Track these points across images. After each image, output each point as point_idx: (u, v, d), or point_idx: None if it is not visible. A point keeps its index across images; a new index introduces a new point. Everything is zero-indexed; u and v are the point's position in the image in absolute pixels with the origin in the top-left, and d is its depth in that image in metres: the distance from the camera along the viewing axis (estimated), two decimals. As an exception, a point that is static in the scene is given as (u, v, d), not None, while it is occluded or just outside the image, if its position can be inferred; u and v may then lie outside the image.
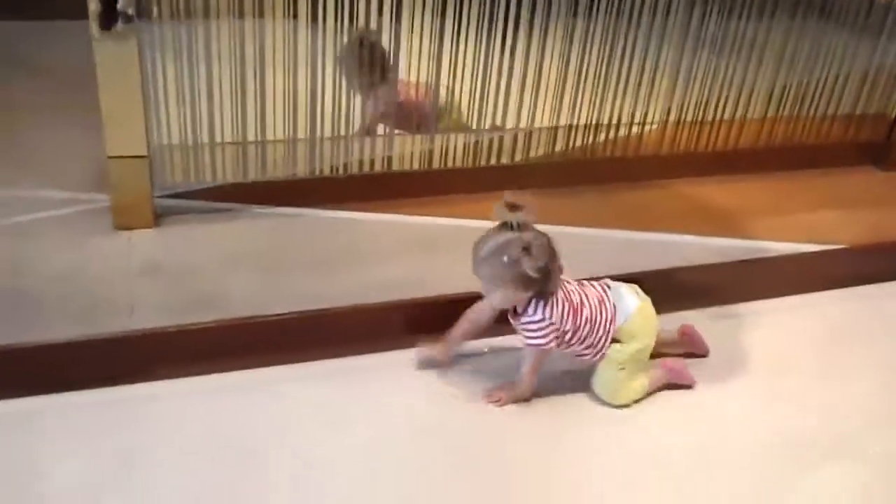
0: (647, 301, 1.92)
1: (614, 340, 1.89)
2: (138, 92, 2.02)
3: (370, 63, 2.27)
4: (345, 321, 1.95)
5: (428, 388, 1.91)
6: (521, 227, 1.74)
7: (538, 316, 1.80)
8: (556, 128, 2.50)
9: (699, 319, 2.18)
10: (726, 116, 2.65)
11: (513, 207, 1.74)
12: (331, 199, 2.33)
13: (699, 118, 2.64)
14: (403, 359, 1.96)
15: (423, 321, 1.98)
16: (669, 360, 2.00)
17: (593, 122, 2.53)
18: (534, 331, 1.81)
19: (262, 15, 2.05)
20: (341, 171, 2.32)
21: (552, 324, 1.80)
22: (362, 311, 1.95)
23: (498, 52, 2.31)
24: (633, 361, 1.90)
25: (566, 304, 1.82)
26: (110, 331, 1.80)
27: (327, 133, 2.26)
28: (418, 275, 2.09)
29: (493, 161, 2.48)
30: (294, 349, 1.91)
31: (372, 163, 2.35)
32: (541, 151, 2.53)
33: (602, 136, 2.56)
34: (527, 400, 1.89)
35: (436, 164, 2.43)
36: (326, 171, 2.30)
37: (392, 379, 1.92)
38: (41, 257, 2.02)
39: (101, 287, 1.93)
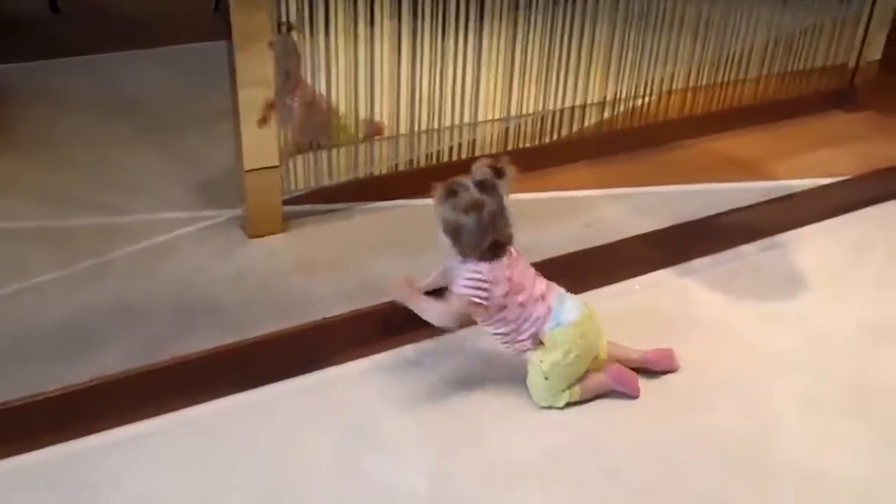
0: (591, 319, 1.93)
1: (540, 343, 1.92)
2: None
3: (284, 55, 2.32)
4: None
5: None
6: (487, 188, 1.81)
7: (474, 268, 1.85)
8: (593, 105, 2.87)
9: (752, 252, 2.60)
10: (731, 78, 3.10)
11: (495, 171, 1.82)
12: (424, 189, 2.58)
13: (711, 81, 3.07)
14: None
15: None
16: (615, 368, 1.98)
17: (620, 95, 2.91)
18: (466, 279, 1.85)
19: (371, 23, 2.31)
20: (433, 159, 2.59)
21: (484, 281, 1.83)
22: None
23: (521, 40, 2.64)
24: (557, 375, 1.90)
25: (506, 274, 1.86)
26: (306, 321, 2.02)
27: (423, 126, 2.53)
28: (529, 242, 2.37)
29: (539, 140, 2.82)
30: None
31: (459, 149, 2.63)
32: (581, 125, 2.88)
33: (627, 106, 2.93)
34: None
35: (509, 145, 2.75)
36: (422, 163, 2.57)
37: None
38: (202, 268, 2.19)
39: (272, 287, 2.13)
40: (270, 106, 2.18)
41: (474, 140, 2.66)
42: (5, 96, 3.09)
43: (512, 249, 1.91)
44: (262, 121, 2.19)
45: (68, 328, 1.95)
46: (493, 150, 2.69)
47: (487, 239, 1.82)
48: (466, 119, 2.63)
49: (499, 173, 1.83)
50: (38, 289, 2.08)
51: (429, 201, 2.49)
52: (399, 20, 2.37)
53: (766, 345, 2.22)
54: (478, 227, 1.80)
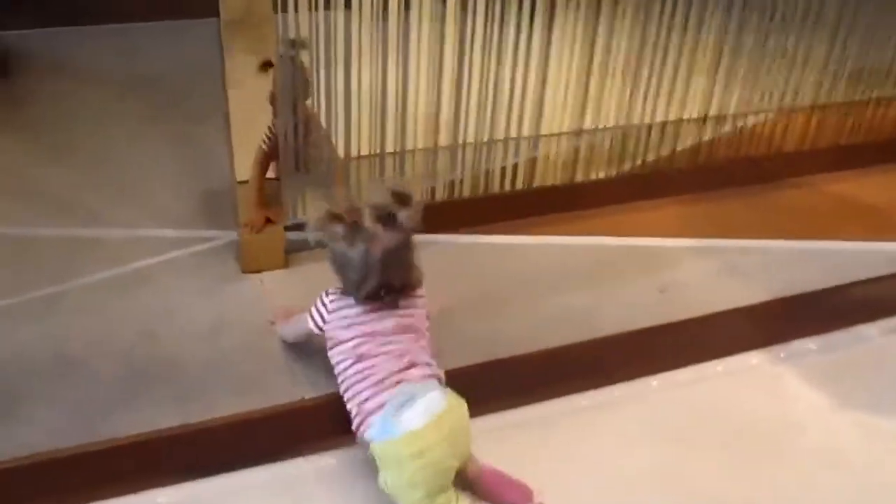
0: (437, 427, 1.45)
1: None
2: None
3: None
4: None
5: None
6: (386, 218, 1.47)
7: (328, 292, 1.57)
8: (680, 121, 2.31)
9: (873, 336, 2.05)
10: (871, 97, 2.48)
11: (397, 197, 1.49)
12: (469, 222, 2.11)
13: (846, 99, 2.46)
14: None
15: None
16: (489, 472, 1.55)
17: (727, 111, 2.34)
18: (317, 299, 1.59)
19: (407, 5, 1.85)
20: (481, 185, 2.12)
21: (325, 309, 1.56)
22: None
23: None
24: (406, 494, 1.47)
25: (357, 321, 1.52)
26: (283, 401, 1.60)
27: (470, 137, 2.06)
28: (581, 310, 1.89)
29: (618, 166, 2.29)
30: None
31: (514, 172, 2.15)
32: (673, 149, 2.34)
33: (734, 127, 2.37)
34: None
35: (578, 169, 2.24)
36: (467, 190, 2.10)
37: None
38: (174, 312, 1.79)
39: (251, 347, 1.71)
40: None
41: (535, 159, 2.17)
42: (21, 66, 2.76)
43: (413, 302, 1.56)
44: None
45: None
46: (558, 174, 2.20)
47: (373, 282, 1.49)
48: (526, 131, 2.12)
49: (402, 200, 1.49)
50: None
51: (471, 239, 2.11)
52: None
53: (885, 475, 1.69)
54: (363, 266, 1.47)
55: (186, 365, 1.66)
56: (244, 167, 1.84)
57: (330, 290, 1.58)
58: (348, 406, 1.52)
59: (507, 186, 2.14)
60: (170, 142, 2.42)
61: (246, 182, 1.85)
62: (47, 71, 2.77)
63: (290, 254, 1.96)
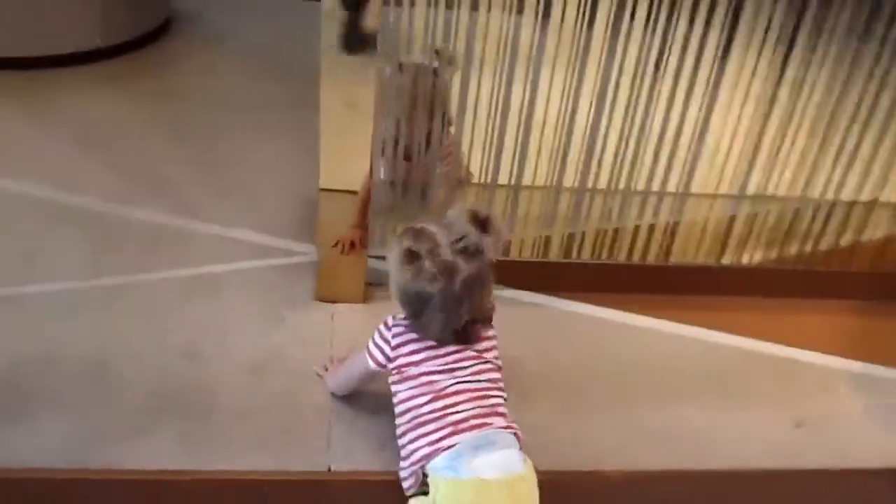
0: (506, 499, 1.27)
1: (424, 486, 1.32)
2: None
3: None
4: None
5: None
6: (467, 250, 1.28)
7: (389, 323, 1.38)
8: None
9: None
10: None
11: (479, 223, 1.30)
12: (581, 286, 1.81)
13: None
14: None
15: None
16: None
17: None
18: (375, 333, 1.40)
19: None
20: (605, 247, 1.81)
21: (390, 344, 1.36)
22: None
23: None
24: None
25: (432, 354, 1.34)
26: (306, 468, 1.40)
27: (601, 182, 1.74)
28: (706, 424, 1.56)
29: (781, 248, 1.90)
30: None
31: (648, 236, 1.82)
32: (858, 236, 1.92)
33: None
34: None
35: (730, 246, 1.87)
36: (587, 250, 1.80)
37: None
38: (227, 334, 1.63)
39: (293, 397, 1.51)
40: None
41: (676, 226, 1.83)
42: (181, 29, 2.71)
43: (490, 341, 1.38)
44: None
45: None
46: (703, 248, 1.85)
47: (452, 319, 1.32)
48: (672, 185, 1.78)
49: (482, 224, 1.30)
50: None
51: (577, 307, 1.81)
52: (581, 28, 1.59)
53: None
54: (442, 304, 1.29)
55: (218, 400, 1.49)
56: (331, 172, 1.62)
57: (391, 321, 1.38)
58: (407, 445, 1.32)
59: (637, 256, 1.81)
60: (296, 137, 2.27)
61: (330, 191, 1.64)
62: (204, 38, 2.70)
63: (371, 287, 1.75)
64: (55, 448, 1.38)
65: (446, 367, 1.34)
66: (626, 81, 1.65)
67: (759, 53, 1.68)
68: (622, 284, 1.79)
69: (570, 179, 1.73)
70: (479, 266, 1.30)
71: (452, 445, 1.28)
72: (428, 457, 1.29)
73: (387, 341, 1.37)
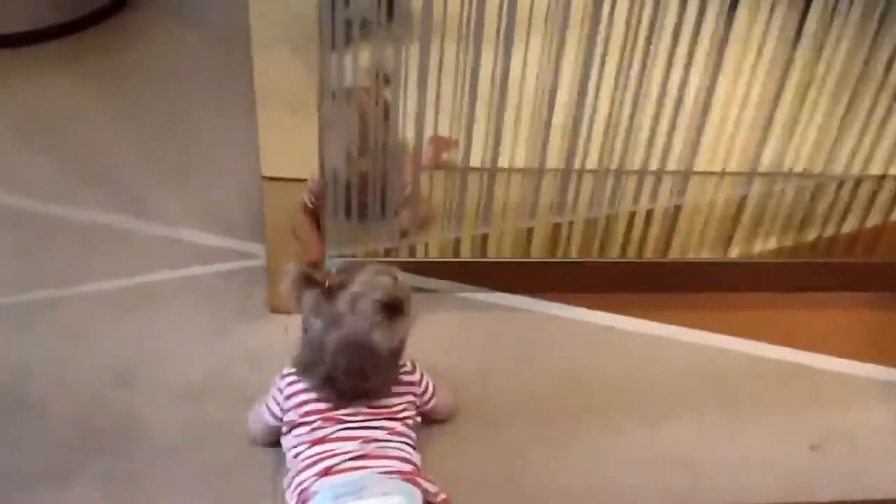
0: None
1: None
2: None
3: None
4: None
5: None
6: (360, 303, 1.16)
7: (283, 373, 1.26)
8: None
9: None
10: None
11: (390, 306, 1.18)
12: (567, 286, 1.59)
13: None
14: None
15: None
16: None
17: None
18: (272, 385, 1.27)
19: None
20: (596, 241, 1.58)
21: (281, 394, 1.24)
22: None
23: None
24: None
25: (320, 406, 1.20)
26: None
27: (591, 162, 1.50)
28: (700, 444, 1.36)
29: (799, 233, 1.66)
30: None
31: (645, 224, 1.58)
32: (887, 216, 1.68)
33: None
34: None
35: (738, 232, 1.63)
36: (576, 245, 1.57)
37: None
38: (166, 354, 1.44)
39: (237, 421, 1.33)
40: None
41: (675, 209, 1.59)
42: (136, 4, 2.49)
43: (398, 391, 1.24)
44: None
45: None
46: (708, 235, 1.62)
47: (319, 370, 1.19)
48: (673, 163, 1.53)
49: (392, 312, 1.18)
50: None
51: (560, 310, 1.60)
52: None
53: None
54: (314, 345, 1.19)
55: (149, 434, 1.32)
56: (276, 156, 1.41)
57: (285, 371, 1.26)
58: (288, 498, 1.17)
59: (632, 251, 1.59)
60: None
61: (276, 179, 1.43)
62: (165, 12, 2.48)
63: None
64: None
65: (337, 417, 1.19)
66: (616, 40, 1.40)
67: (773, 5, 1.43)
68: (615, 283, 1.58)
69: (553, 160, 1.49)
70: (374, 337, 1.15)
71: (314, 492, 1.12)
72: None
73: (280, 390, 1.24)
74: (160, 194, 1.78)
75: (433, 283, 1.58)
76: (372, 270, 1.19)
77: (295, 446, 1.19)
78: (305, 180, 1.45)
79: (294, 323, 1.48)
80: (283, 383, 1.24)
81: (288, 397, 1.23)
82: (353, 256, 1.53)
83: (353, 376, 1.17)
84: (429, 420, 1.32)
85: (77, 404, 1.35)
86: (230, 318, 1.52)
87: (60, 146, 1.90)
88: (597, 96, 1.42)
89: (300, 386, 1.22)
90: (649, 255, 1.57)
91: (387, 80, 1.37)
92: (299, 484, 1.15)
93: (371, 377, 1.19)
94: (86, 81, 2.14)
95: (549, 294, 1.57)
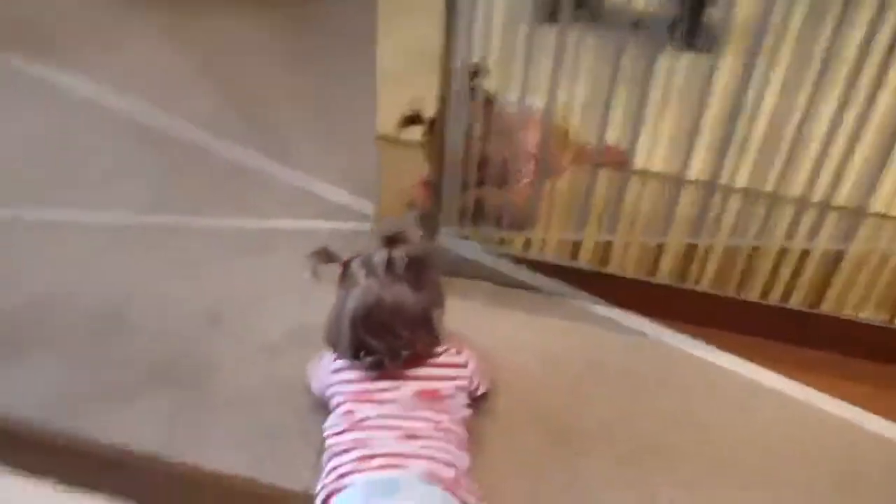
0: None
1: None
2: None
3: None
4: None
5: None
6: (378, 265, 1.15)
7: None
8: None
9: None
10: None
11: (387, 243, 1.16)
12: (694, 318, 1.41)
13: None
14: None
15: None
16: None
17: None
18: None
19: None
20: (734, 274, 1.38)
21: (325, 369, 1.20)
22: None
23: None
24: None
25: (362, 387, 1.14)
26: (282, 482, 1.18)
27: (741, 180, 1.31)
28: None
29: None
30: None
31: (795, 276, 1.36)
32: None
33: None
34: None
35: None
36: (709, 277, 1.39)
37: None
38: (258, 303, 1.43)
39: (301, 392, 1.28)
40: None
41: (839, 254, 1.34)
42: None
43: (444, 372, 1.17)
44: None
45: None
46: (877, 297, 1.37)
47: (344, 340, 1.16)
48: (843, 196, 1.28)
49: (391, 244, 1.16)
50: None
51: (686, 343, 1.41)
52: None
53: None
54: (336, 318, 1.17)
55: (220, 378, 1.31)
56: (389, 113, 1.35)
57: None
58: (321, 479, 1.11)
59: (777, 294, 1.37)
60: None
61: (392, 140, 1.37)
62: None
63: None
64: (40, 397, 1.26)
65: (373, 398, 1.13)
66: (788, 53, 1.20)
67: None
68: (749, 325, 1.37)
69: (697, 169, 1.31)
70: (387, 290, 1.13)
71: (345, 487, 1.05)
72: (329, 495, 1.06)
73: (324, 365, 1.21)
74: (307, 145, 1.78)
75: (546, 282, 1.46)
76: (384, 236, 1.17)
77: (332, 426, 1.13)
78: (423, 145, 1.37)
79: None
80: (327, 359, 1.21)
81: (334, 371, 1.18)
82: (467, 238, 1.45)
83: (382, 335, 1.13)
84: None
85: (164, 334, 1.37)
86: (333, 278, 1.48)
87: (230, 82, 1.96)
88: (759, 105, 1.23)
89: (342, 364, 1.18)
90: (796, 301, 1.35)
91: (476, 73, 1.29)
92: (335, 468, 1.09)
93: (401, 332, 1.13)
94: (269, 27, 2.18)
95: (673, 322, 1.40)
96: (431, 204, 1.42)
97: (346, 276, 1.17)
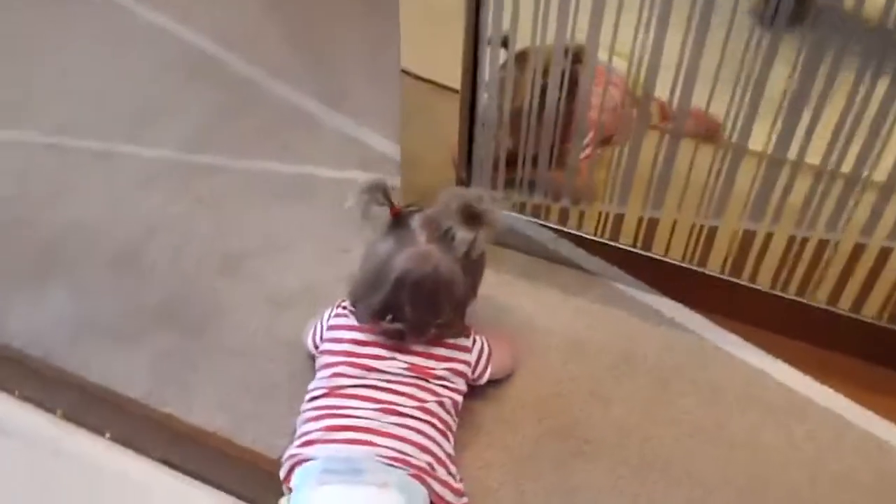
0: None
1: None
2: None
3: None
4: None
5: None
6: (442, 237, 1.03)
7: (341, 303, 1.12)
8: None
9: None
10: None
11: (465, 216, 1.03)
12: (750, 319, 1.23)
13: None
14: None
15: None
16: None
17: None
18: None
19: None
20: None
21: (325, 325, 1.12)
22: None
23: None
24: None
25: (355, 349, 1.05)
26: (250, 444, 1.11)
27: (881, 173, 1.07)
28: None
29: None
30: None
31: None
32: None
33: None
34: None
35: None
36: (768, 271, 1.20)
37: None
38: (276, 255, 1.36)
39: (298, 354, 1.20)
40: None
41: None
42: None
43: (448, 354, 1.06)
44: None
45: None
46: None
47: (378, 296, 1.04)
48: None
49: (469, 219, 1.03)
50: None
51: (744, 350, 1.23)
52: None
53: None
54: (375, 270, 1.05)
55: (224, 327, 1.25)
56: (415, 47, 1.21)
57: (339, 301, 1.13)
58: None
59: (847, 300, 1.15)
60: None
61: (415, 77, 1.23)
62: None
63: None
64: (45, 325, 1.26)
65: (361, 364, 1.03)
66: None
67: None
68: (812, 334, 1.18)
69: (759, 138, 1.08)
70: (441, 265, 1.02)
71: (308, 459, 0.97)
72: (293, 467, 0.99)
73: (325, 319, 1.12)
74: (362, 93, 1.69)
75: (586, 259, 1.31)
76: (450, 193, 1.05)
77: (313, 389, 1.05)
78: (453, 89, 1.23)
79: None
80: (329, 314, 1.12)
81: (329, 328, 1.10)
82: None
83: (422, 308, 1.02)
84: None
85: (178, 275, 1.33)
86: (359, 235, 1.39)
87: (297, 24, 1.88)
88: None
89: (344, 321, 1.09)
90: (870, 312, 1.14)
91: (578, 58, 1.13)
92: (302, 435, 1.02)
93: (442, 311, 1.03)
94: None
95: (721, 319, 1.23)
96: (463, 163, 1.29)
97: (398, 228, 1.05)
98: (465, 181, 1.30)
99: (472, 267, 1.07)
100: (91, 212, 1.44)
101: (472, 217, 1.01)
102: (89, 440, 1.18)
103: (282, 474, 1.01)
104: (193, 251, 1.37)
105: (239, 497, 1.12)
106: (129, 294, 1.31)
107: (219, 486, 1.13)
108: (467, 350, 1.08)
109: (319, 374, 1.06)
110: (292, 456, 1.00)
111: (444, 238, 1.02)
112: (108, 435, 1.18)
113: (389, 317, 1.03)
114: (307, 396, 1.05)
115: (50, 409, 1.21)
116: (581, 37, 1.09)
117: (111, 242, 1.38)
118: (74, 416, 1.20)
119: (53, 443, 1.17)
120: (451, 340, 1.07)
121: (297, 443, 1.01)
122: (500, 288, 1.29)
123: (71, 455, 1.16)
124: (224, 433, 1.12)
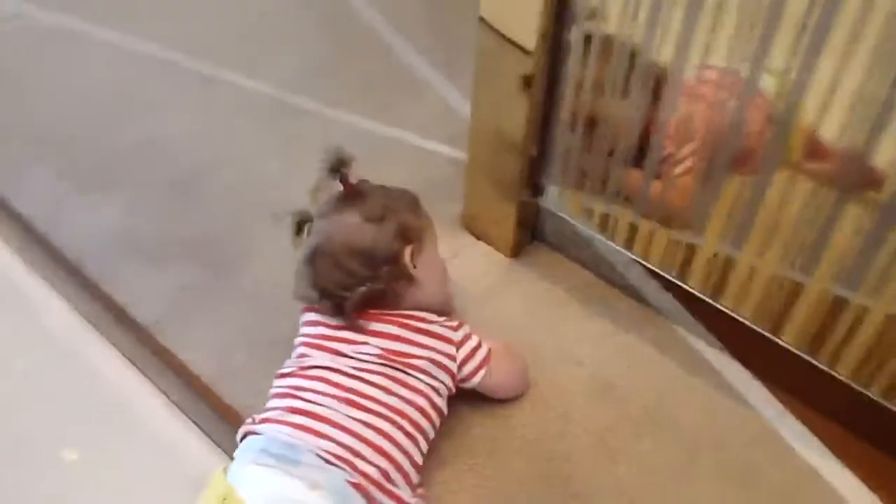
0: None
1: None
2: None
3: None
4: None
5: None
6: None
7: None
8: None
9: None
10: None
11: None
12: (823, 406, 1.01)
13: None
14: None
15: None
16: None
17: None
18: None
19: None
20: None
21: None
22: None
23: None
24: None
25: (326, 333, 0.96)
26: (230, 401, 1.05)
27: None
28: None
29: None
30: None
31: None
32: None
33: None
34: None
35: None
36: (856, 353, 0.97)
37: None
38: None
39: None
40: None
41: None
42: None
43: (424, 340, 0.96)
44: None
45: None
46: None
47: (300, 278, 0.99)
48: None
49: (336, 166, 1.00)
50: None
51: (810, 443, 1.01)
52: None
53: None
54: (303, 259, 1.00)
55: (242, 270, 1.20)
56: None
57: None
58: None
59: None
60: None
61: (496, 32, 1.08)
62: None
63: (540, 243, 1.22)
64: (90, 230, 1.26)
65: (329, 348, 0.95)
66: None
67: None
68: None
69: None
70: (333, 220, 0.99)
71: (256, 434, 0.90)
72: (245, 435, 0.92)
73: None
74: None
75: (655, 293, 1.13)
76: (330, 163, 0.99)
77: (284, 367, 0.97)
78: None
79: (470, 251, 1.23)
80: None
81: (303, 311, 1.02)
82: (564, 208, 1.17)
83: (332, 272, 0.96)
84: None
85: (226, 213, 1.30)
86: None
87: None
88: None
89: (313, 316, 1.00)
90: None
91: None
92: (266, 410, 0.94)
93: (354, 267, 0.95)
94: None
95: (790, 398, 1.02)
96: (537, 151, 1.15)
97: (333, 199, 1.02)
98: (535, 160, 1.15)
99: (381, 213, 0.98)
100: (173, 131, 1.43)
101: (335, 165, 0.98)
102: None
103: (237, 440, 0.94)
104: (251, 192, 1.33)
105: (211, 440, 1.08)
106: (174, 219, 1.28)
107: (196, 424, 1.09)
108: (450, 341, 0.96)
109: (294, 353, 0.99)
110: (247, 425, 0.93)
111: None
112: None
113: (318, 295, 0.96)
114: (277, 372, 0.97)
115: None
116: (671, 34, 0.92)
117: (179, 165, 1.37)
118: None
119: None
120: (436, 329, 0.96)
121: (259, 416, 0.93)
122: (546, 304, 1.16)
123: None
124: (206, 379, 1.07)
